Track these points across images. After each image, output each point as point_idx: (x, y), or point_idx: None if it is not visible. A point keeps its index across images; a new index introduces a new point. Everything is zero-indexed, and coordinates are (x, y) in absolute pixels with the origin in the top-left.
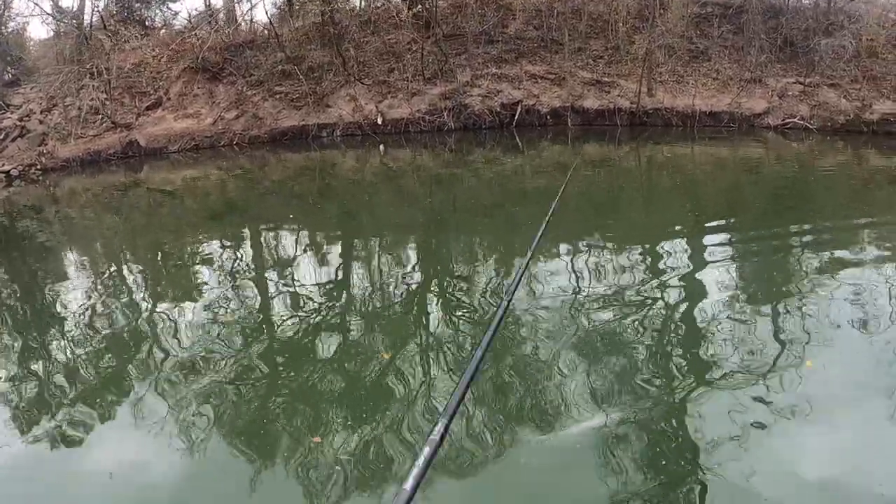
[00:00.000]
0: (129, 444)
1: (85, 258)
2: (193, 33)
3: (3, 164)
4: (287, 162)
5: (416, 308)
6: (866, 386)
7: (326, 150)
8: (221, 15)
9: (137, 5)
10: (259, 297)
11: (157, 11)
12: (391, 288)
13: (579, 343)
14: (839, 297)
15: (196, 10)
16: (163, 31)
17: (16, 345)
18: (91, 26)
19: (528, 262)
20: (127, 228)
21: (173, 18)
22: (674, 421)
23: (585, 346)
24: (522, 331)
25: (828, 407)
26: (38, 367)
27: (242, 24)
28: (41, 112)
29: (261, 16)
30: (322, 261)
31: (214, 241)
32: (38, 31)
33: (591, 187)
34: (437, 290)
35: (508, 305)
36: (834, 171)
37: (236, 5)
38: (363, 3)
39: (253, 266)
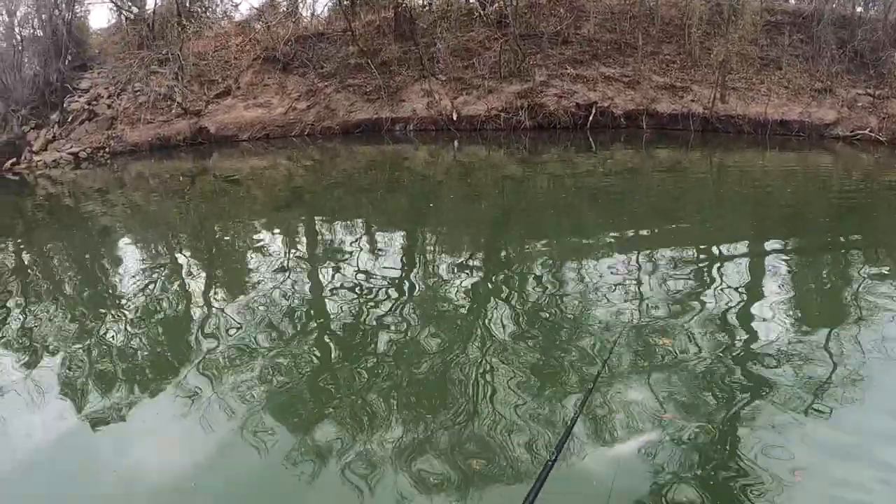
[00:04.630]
0: (175, 429)
1: (145, 242)
2: (261, 24)
3: (72, 146)
4: (358, 154)
5: (474, 307)
6: None
7: (399, 144)
8: (284, 7)
9: None
10: (314, 288)
11: (218, 2)
12: (451, 286)
13: (630, 348)
14: None
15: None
16: (224, 21)
17: (68, 323)
18: (154, 13)
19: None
20: (190, 215)
21: (234, 9)
22: (725, 442)
23: (636, 353)
24: (572, 331)
25: (886, 437)
26: (88, 346)
27: (310, 16)
28: (109, 97)
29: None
30: (383, 254)
31: (277, 231)
32: (98, 20)
33: (660, 192)
34: (498, 288)
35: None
36: None
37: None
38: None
39: (312, 257)
